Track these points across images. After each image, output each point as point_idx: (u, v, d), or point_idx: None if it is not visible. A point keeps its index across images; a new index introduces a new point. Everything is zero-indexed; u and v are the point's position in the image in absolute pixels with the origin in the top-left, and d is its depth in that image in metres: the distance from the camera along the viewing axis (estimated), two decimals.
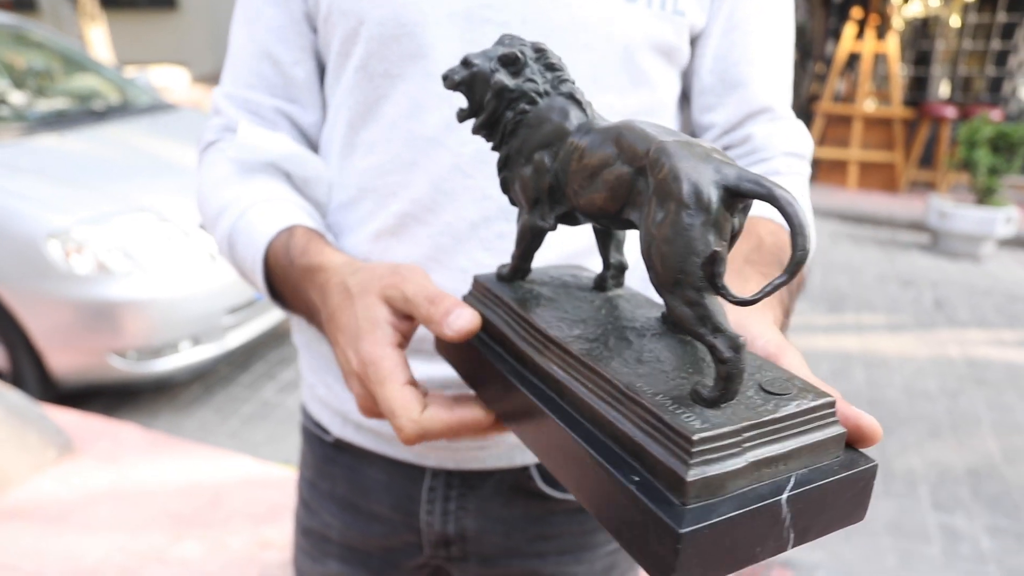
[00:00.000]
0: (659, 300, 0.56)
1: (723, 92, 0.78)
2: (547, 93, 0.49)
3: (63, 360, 2.89)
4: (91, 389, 3.06)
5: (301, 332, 0.87)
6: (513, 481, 0.81)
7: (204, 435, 2.98)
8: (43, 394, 2.93)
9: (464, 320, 0.52)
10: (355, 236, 0.77)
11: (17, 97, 3.89)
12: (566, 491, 0.81)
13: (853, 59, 7.44)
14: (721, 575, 0.36)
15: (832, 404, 0.40)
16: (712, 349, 0.38)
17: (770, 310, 0.58)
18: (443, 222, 0.72)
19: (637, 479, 0.38)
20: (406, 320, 0.56)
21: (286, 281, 0.69)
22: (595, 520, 0.84)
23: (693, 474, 0.35)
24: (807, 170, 0.82)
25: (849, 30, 7.06)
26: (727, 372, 0.38)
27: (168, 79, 8.22)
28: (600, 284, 0.54)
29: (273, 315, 3.38)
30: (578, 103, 0.48)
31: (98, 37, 8.66)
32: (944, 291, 4.93)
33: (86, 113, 3.86)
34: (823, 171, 7.42)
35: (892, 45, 6.94)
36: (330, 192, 0.81)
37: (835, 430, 0.39)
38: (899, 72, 7.50)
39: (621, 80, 0.72)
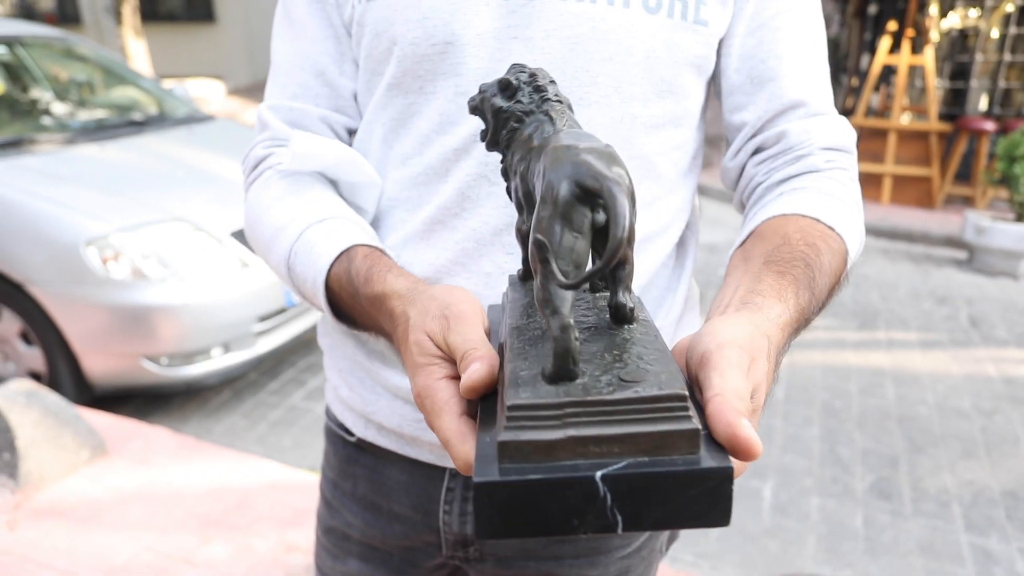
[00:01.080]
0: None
1: (752, 90, 0.77)
2: (531, 112, 0.54)
3: (98, 364, 2.96)
4: (124, 392, 3.12)
5: (327, 335, 0.89)
6: None
7: (232, 439, 3.03)
8: (78, 397, 3.00)
9: (469, 377, 0.48)
10: (386, 241, 0.79)
11: (61, 108, 4.01)
12: None
13: (888, 72, 7.35)
14: (529, 536, 0.40)
15: (680, 398, 0.40)
16: (548, 328, 0.42)
17: (759, 310, 0.55)
18: (468, 228, 0.74)
19: (488, 439, 0.43)
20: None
21: (354, 309, 0.67)
22: None
23: (505, 436, 0.40)
24: (852, 163, 0.78)
25: (884, 43, 6.98)
26: (555, 350, 0.42)
27: (205, 91, 8.41)
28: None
29: (302, 322, 3.43)
30: (551, 119, 0.53)
31: (138, 50, 8.89)
32: (980, 308, 4.82)
33: (125, 124, 3.97)
34: None
35: (929, 58, 6.84)
36: (379, 198, 0.81)
37: (685, 425, 0.40)
38: (936, 85, 7.39)
39: (644, 90, 0.73)
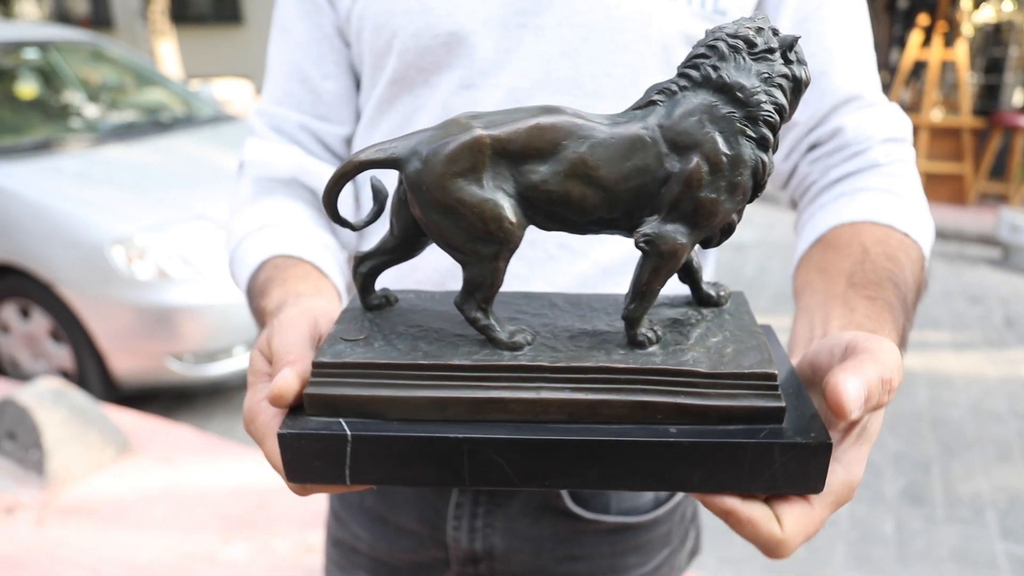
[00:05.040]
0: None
1: None
2: None
3: (124, 362, 2.99)
4: (149, 391, 3.15)
5: None
6: (542, 500, 0.79)
7: None
8: (105, 395, 3.03)
9: (276, 384, 0.46)
10: None
11: (90, 110, 4.06)
12: (597, 511, 0.80)
13: (919, 67, 7.19)
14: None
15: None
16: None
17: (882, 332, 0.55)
18: None
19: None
20: None
21: (260, 322, 0.68)
22: (627, 542, 0.82)
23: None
24: (911, 153, 0.76)
25: (915, 37, 6.83)
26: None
27: (231, 92, 8.49)
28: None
29: None
30: None
31: (168, 52, 9.00)
32: (1016, 308, 4.70)
33: (152, 125, 4.01)
34: None
35: (961, 52, 6.69)
36: (359, 203, 0.81)
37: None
38: (968, 80, 7.22)
39: (659, 80, 0.70)
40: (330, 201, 0.51)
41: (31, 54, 4.17)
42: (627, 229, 0.49)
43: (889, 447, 3.09)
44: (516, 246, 0.48)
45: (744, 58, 0.47)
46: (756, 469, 0.44)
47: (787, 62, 0.47)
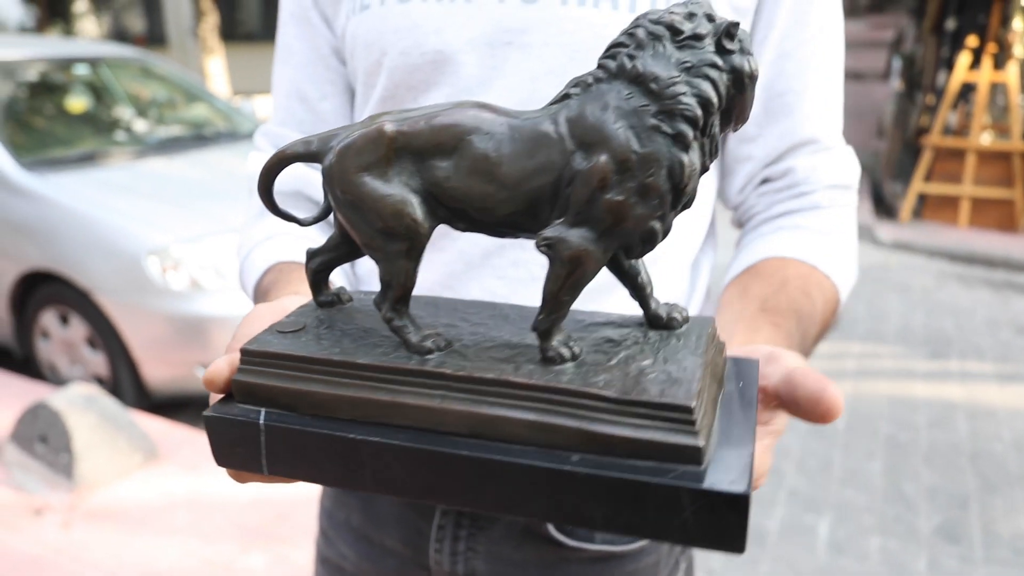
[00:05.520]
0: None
1: (765, 122, 0.75)
2: None
3: (156, 371, 3.06)
4: (180, 399, 3.21)
5: None
6: (524, 525, 0.78)
7: None
8: (137, 402, 3.10)
9: (208, 370, 0.48)
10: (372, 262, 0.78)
11: (136, 124, 4.19)
12: (580, 539, 0.78)
13: (967, 90, 7.03)
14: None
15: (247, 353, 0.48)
16: None
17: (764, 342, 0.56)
18: (457, 249, 0.71)
19: None
20: None
21: None
22: (612, 571, 0.79)
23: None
24: (853, 200, 0.79)
25: (963, 59, 6.68)
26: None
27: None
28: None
29: None
30: None
31: (217, 68, 9.27)
32: None
33: (194, 139, 4.12)
34: (930, 207, 7.01)
35: (1012, 74, 6.51)
36: None
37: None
38: (1020, 103, 7.02)
39: None
40: (266, 196, 0.51)
41: (82, 70, 4.32)
42: (535, 231, 0.45)
43: (925, 480, 2.99)
44: (421, 244, 0.46)
45: (665, 46, 0.42)
46: (664, 515, 0.39)
47: (722, 51, 0.42)
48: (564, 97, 0.44)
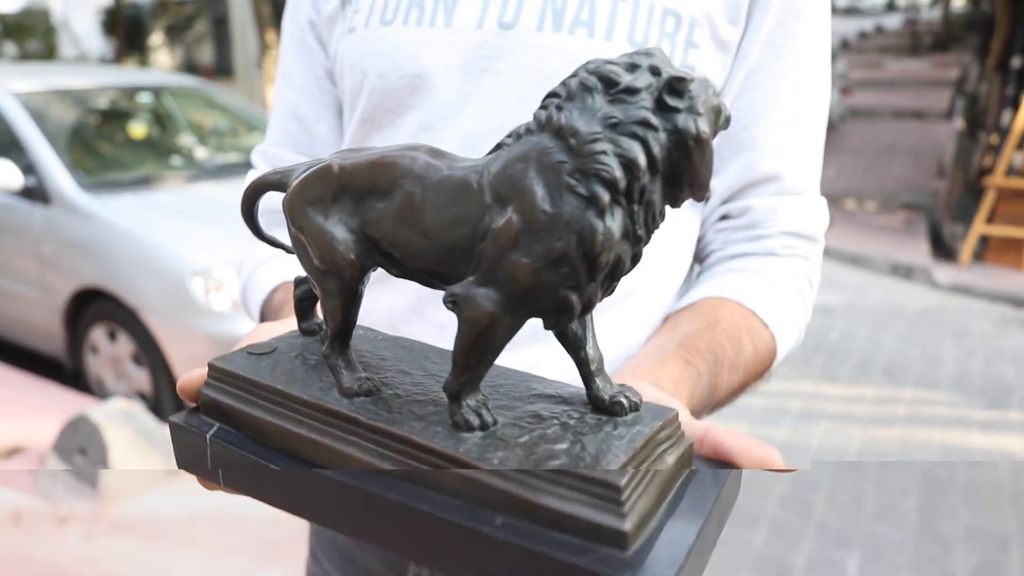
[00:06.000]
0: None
1: (727, 155, 0.73)
2: None
3: None
4: None
5: None
6: None
7: None
8: None
9: (181, 379, 0.51)
10: None
11: (192, 150, 4.36)
12: None
13: None
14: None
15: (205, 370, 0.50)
16: None
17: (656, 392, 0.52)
18: (397, 292, 0.71)
19: None
20: None
21: None
22: None
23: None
24: (814, 253, 0.75)
25: None
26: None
27: None
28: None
29: None
30: None
31: None
32: None
33: (245, 165, 4.25)
34: (993, 250, 6.74)
35: None
36: None
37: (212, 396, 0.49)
38: None
39: None
40: (248, 221, 0.53)
41: (146, 98, 4.53)
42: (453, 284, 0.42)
43: (962, 520, 2.83)
44: (353, 284, 0.45)
45: (595, 99, 0.38)
46: None
47: (664, 108, 0.37)
48: (498, 147, 0.41)
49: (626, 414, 0.42)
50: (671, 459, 0.41)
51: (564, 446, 0.39)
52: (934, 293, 5.91)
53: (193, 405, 0.50)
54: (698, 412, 0.61)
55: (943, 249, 6.75)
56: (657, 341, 0.66)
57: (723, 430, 0.43)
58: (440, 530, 0.39)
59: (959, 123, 8.06)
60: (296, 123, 0.83)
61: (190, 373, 0.49)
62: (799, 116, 0.73)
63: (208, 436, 0.47)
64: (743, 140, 0.72)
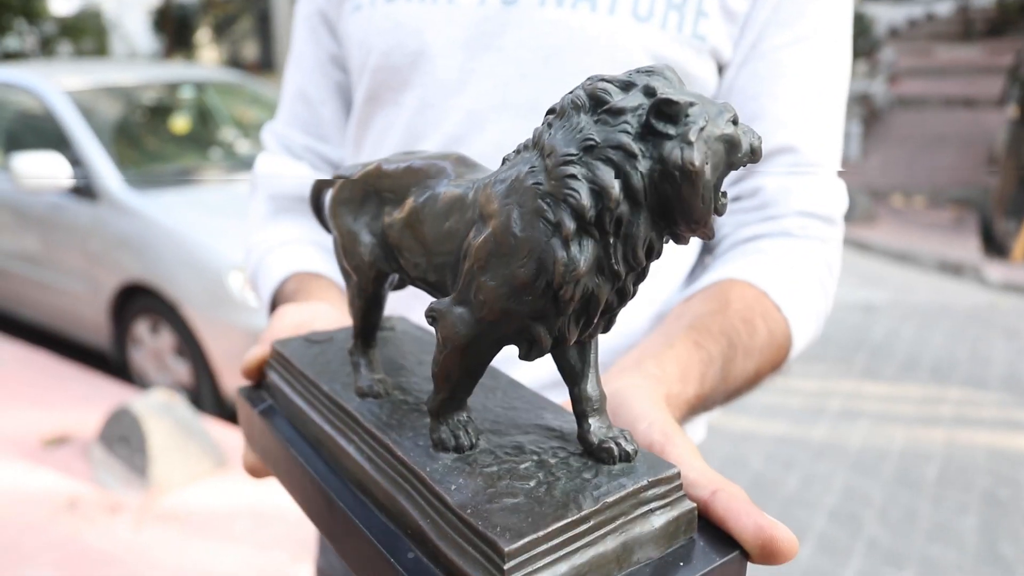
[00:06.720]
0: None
1: None
2: None
3: (233, 382, 3.18)
4: None
5: None
6: None
7: None
8: (215, 410, 3.23)
9: (243, 360, 0.55)
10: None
11: (233, 144, 4.43)
12: None
13: None
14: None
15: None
16: None
17: (658, 383, 0.50)
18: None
19: None
20: None
21: None
22: None
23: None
24: (833, 235, 0.71)
25: None
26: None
27: None
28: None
29: None
30: None
31: None
32: None
33: None
34: None
35: None
36: None
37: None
38: None
39: None
40: (317, 215, 0.57)
41: (188, 93, 4.61)
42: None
43: None
44: (367, 286, 0.46)
45: (581, 117, 0.35)
46: None
47: (654, 133, 0.34)
48: (504, 160, 0.40)
49: (615, 463, 0.39)
50: (659, 522, 0.37)
51: (528, 485, 0.37)
52: (984, 291, 5.72)
53: (251, 383, 0.55)
54: (711, 399, 0.57)
55: (994, 245, 6.52)
56: (665, 325, 0.62)
57: (729, 497, 0.38)
58: (366, 548, 0.39)
59: (1012, 110, 7.75)
60: (304, 104, 0.84)
61: (250, 353, 0.53)
62: (812, 86, 0.69)
63: (257, 411, 0.52)
64: (752, 110, 0.69)
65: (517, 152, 0.39)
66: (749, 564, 0.37)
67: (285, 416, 0.50)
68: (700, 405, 0.55)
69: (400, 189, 0.44)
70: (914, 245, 6.47)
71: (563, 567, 0.34)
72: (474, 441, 0.40)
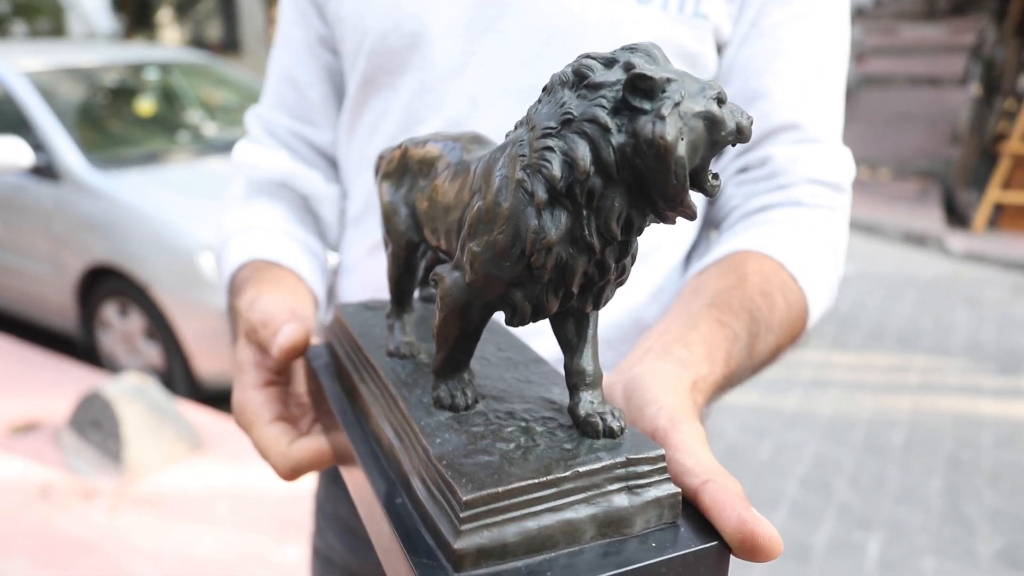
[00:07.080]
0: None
1: (741, 103, 0.70)
2: None
3: (206, 363, 3.15)
4: (228, 392, 3.29)
5: None
6: None
7: None
8: (188, 393, 3.20)
9: (283, 337, 0.54)
10: (355, 249, 0.78)
11: (199, 126, 4.34)
12: None
13: None
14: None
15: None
16: None
17: (685, 368, 0.49)
18: None
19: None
20: (269, 355, 0.58)
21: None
22: None
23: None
24: (842, 203, 0.71)
25: None
26: None
27: None
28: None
29: None
30: None
31: None
32: None
33: None
34: (1008, 217, 6.66)
35: None
36: (343, 207, 0.82)
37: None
38: None
39: None
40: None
41: (153, 74, 4.51)
42: None
43: (987, 502, 2.82)
44: (401, 252, 0.50)
45: (565, 92, 0.36)
46: None
47: (630, 108, 0.34)
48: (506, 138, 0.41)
49: (598, 437, 0.39)
50: (636, 501, 0.37)
51: (507, 447, 0.38)
52: (947, 261, 5.85)
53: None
54: (737, 376, 0.57)
55: (957, 216, 6.67)
56: (684, 303, 0.61)
57: (718, 488, 0.37)
58: (366, 492, 0.43)
59: (974, 89, 7.90)
60: (291, 87, 0.82)
61: (291, 330, 0.54)
62: (814, 60, 0.70)
63: (313, 364, 0.56)
64: (755, 88, 0.69)
65: (515, 128, 0.40)
66: (745, 563, 0.38)
67: (333, 371, 0.55)
68: (727, 384, 0.55)
69: (426, 166, 0.47)
70: (879, 217, 6.58)
71: (526, 525, 0.35)
72: (469, 402, 0.43)
